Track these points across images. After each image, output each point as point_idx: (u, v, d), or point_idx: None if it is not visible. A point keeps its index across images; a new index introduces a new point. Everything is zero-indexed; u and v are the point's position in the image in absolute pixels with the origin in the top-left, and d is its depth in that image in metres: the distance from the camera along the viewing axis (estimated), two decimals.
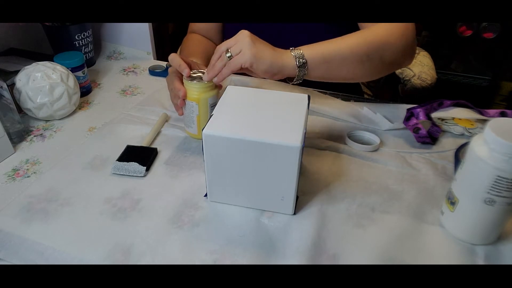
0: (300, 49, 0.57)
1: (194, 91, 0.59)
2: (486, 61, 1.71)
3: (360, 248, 0.46)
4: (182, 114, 0.63)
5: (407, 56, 0.65)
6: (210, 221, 0.50)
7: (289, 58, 0.56)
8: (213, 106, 0.60)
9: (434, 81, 0.99)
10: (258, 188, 0.49)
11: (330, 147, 0.63)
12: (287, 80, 0.60)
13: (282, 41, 0.63)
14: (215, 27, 0.86)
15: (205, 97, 0.59)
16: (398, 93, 1.08)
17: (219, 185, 0.50)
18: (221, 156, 0.47)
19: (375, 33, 0.60)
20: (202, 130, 0.46)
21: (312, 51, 0.57)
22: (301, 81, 0.59)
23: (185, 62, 0.60)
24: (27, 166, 0.59)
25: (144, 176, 0.57)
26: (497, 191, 0.42)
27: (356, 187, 0.55)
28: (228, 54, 0.55)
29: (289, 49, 0.58)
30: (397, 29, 0.61)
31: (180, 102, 0.60)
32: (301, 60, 0.56)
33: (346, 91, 0.82)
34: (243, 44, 0.55)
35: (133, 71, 0.90)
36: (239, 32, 0.56)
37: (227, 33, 0.87)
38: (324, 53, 0.58)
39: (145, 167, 0.57)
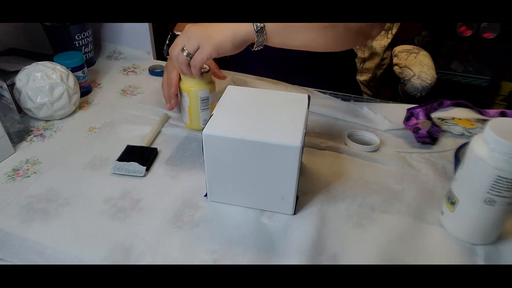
0: None
1: (186, 82, 0.62)
2: (486, 61, 1.71)
3: (360, 248, 0.46)
4: (170, 106, 0.68)
5: (374, 24, 0.61)
6: (210, 221, 0.50)
7: (247, 25, 0.55)
8: (204, 100, 0.63)
9: (434, 81, 0.99)
10: (258, 188, 0.49)
11: (330, 147, 0.63)
12: (249, 46, 0.58)
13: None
14: None
15: (196, 89, 0.62)
16: (398, 93, 1.08)
17: (219, 185, 0.50)
18: (221, 156, 0.47)
19: None
20: (202, 130, 0.46)
21: None
22: (261, 47, 0.58)
23: None
24: (27, 166, 0.59)
25: (144, 176, 0.57)
26: (497, 191, 0.42)
27: (356, 187, 0.55)
28: (185, 53, 0.55)
29: None
30: None
31: (173, 91, 0.65)
32: (258, 25, 0.55)
33: (346, 91, 0.82)
34: (197, 38, 0.54)
35: (133, 71, 0.90)
36: (186, 28, 0.56)
37: None
38: None
39: (145, 167, 0.57)
